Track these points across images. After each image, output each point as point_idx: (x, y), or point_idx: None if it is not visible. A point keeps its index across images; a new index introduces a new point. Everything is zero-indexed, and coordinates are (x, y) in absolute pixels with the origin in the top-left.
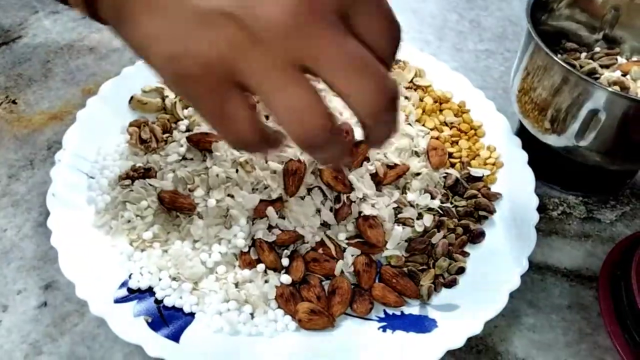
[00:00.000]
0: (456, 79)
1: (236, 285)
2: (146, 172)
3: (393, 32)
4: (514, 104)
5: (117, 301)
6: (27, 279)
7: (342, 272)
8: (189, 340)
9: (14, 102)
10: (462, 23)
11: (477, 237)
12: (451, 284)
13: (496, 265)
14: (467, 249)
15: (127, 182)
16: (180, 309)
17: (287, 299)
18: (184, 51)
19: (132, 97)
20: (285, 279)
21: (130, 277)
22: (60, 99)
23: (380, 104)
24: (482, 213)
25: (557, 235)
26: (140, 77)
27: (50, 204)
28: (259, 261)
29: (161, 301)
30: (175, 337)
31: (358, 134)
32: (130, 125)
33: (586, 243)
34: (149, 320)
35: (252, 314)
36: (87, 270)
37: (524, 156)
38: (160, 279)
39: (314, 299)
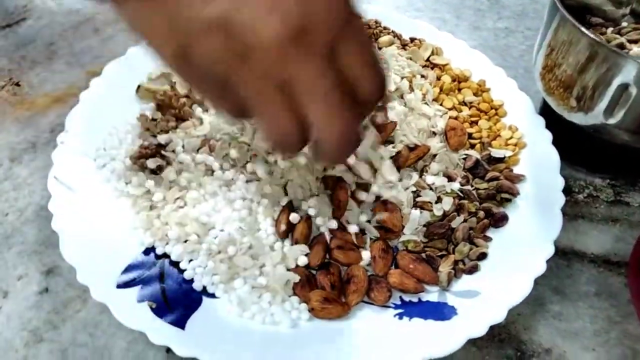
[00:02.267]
0: (475, 57)
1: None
2: (158, 148)
3: (378, 78)
4: (537, 82)
5: (119, 286)
6: (28, 264)
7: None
8: (196, 326)
9: (17, 84)
10: (480, 1)
11: (499, 220)
12: (472, 270)
13: (520, 250)
14: (489, 233)
15: (142, 161)
16: (188, 293)
17: (303, 284)
18: (182, 54)
19: (139, 86)
20: (303, 261)
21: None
22: (64, 82)
23: (340, 147)
24: (504, 196)
25: (584, 219)
26: (145, 58)
27: (52, 187)
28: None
29: (165, 286)
30: (180, 323)
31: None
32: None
33: (614, 227)
34: (153, 306)
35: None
36: (89, 254)
37: (548, 136)
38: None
39: (328, 287)
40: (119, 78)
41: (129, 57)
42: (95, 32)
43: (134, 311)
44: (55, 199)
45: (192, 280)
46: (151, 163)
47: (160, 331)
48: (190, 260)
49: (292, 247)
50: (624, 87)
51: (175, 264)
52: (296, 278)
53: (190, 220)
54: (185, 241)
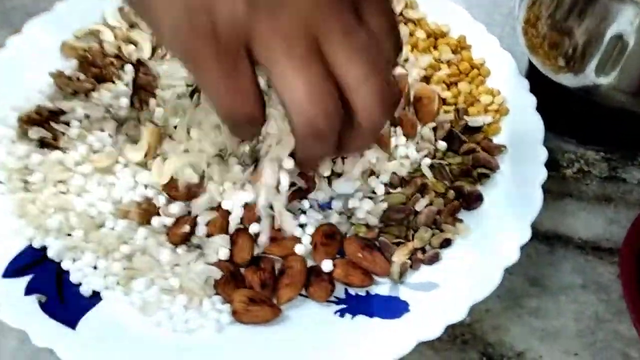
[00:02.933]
0: (454, 11)
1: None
2: (52, 116)
3: (397, 37)
4: (519, 38)
5: (6, 275)
6: None
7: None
8: (90, 327)
9: None
10: None
11: (473, 202)
12: (432, 260)
13: (492, 234)
14: (463, 216)
15: (26, 126)
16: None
17: (227, 280)
18: (200, 5)
19: (63, 43)
20: (224, 253)
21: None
22: None
23: (382, 109)
24: (481, 171)
25: (572, 198)
26: (75, 15)
27: None
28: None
29: (62, 275)
30: (72, 322)
31: None
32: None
33: (607, 208)
34: (43, 300)
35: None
36: None
37: (532, 101)
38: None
39: (258, 285)
40: (42, 36)
41: (56, 13)
42: None
43: (19, 305)
44: None
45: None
46: (33, 133)
47: (45, 331)
48: (74, 260)
49: (208, 239)
50: (619, 37)
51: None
52: (218, 274)
53: (76, 212)
54: (69, 235)
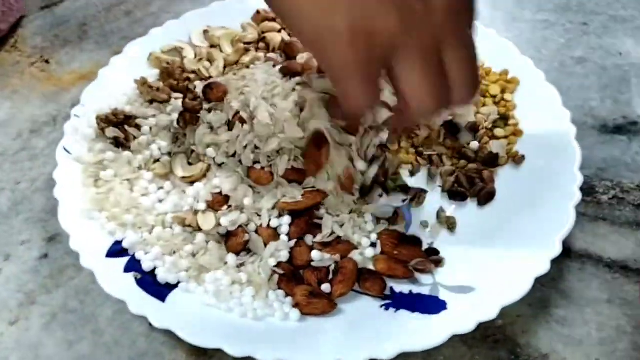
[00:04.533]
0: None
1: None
2: (127, 119)
3: (470, 88)
4: None
5: (109, 255)
6: (32, 231)
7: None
8: (176, 302)
9: (46, 61)
10: None
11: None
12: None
13: (525, 246)
14: (497, 232)
15: (104, 125)
16: None
17: (288, 279)
18: (362, 26)
19: (150, 54)
20: (285, 256)
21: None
22: (91, 60)
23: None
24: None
25: (605, 222)
26: (167, 38)
27: (59, 156)
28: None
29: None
30: (161, 296)
31: None
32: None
33: (638, 232)
34: (138, 277)
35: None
36: (85, 223)
37: (573, 130)
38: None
39: (315, 283)
40: (139, 56)
41: (151, 37)
42: (126, 15)
43: (118, 280)
44: (60, 168)
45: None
46: (110, 132)
47: (141, 302)
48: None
49: (267, 245)
50: None
51: None
52: (281, 271)
53: (143, 209)
54: (140, 228)
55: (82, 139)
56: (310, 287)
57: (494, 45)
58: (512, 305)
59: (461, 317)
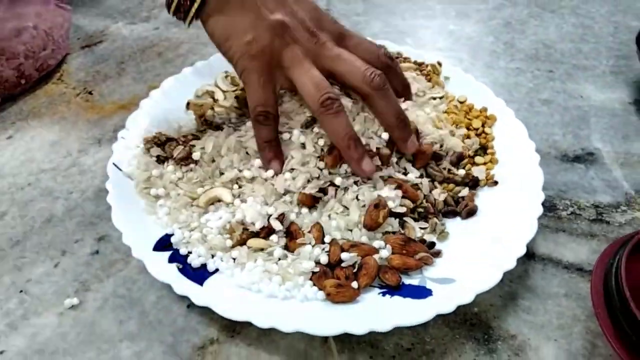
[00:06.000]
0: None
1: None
2: (167, 141)
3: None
4: None
5: (155, 249)
6: (84, 232)
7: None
8: (212, 285)
9: (90, 93)
10: (496, 44)
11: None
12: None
13: (495, 248)
14: (469, 230)
15: (149, 145)
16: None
17: (320, 275)
18: (253, 40)
19: (188, 103)
20: (324, 259)
21: (169, 236)
22: (130, 93)
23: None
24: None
25: (564, 233)
26: (197, 76)
27: (110, 170)
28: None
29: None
30: (200, 281)
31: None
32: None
33: (592, 241)
34: (180, 267)
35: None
36: (134, 223)
37: (537, 157)
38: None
39: (343, 277)
40: (173, 90)
41: (183, 74)
42: (158, 55)
43: (163, 269)
44: (111, 180)
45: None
46: (154, 150)
47: (183, 285)
48: (188, 248)
49: (304, 248)
50: None
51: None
52: (315, 269)
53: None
54: (191, 229)
55: (131, 157)
56: (338, 280)
57: (473, 88)
58: (485, 295)
59: (444, 301)
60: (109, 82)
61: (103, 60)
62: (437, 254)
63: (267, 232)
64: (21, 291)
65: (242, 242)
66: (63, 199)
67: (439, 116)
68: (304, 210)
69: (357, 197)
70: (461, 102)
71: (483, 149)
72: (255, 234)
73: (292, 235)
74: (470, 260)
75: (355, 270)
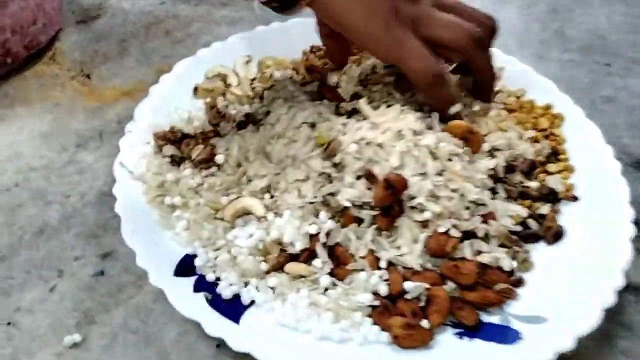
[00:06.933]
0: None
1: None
2: (184, 138)
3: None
4: None
5: (177, 274)
6: (85, 247)
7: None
8: (251, 322)
9: (87, 76)
10: (545, 33)
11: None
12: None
13: (586, 277)
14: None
15: (161, 143)
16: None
17: (382, 311)
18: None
19: (196, 88)
20: (383, 290)
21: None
22: (133, 78)
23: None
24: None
25: None
26: (214, 59)
27: (117, 172)
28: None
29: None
30: (235, 317)
31: None
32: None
33: None
34: (209, 297)
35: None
36: (149, 240)
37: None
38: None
39: (409, 314)
40: (188, 75)
41: (199, 57)
42: (166, 34)
43: (189, 300)
44: (119, 184)
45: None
46: (167, 150)
47: (215, 323)
48: (215, 273)
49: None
50: None
51: None
52: (375, 302)
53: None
54: (216, 249)
55: (140, 156)
56: (404, 318)
57: (533, 81)
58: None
59: (538, 347)
60: (109, 63)
61: (102, 38)
62: (519, 283)
63: (308, 254)
64: (9, 323)
65: (279, 267)
66: (58, 204)
67: (500, 114)
68: (350, 229)
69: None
70: (517, 97)
71: (554, 155)
72: (294, 257)
73: (338, 260)
74: (559, 292)
75: (421, 303)
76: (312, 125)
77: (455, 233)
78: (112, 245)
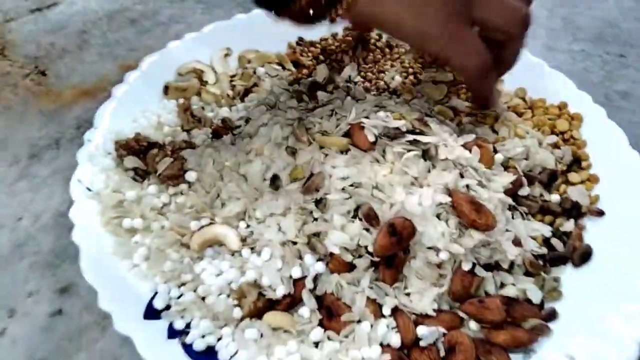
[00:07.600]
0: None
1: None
2: (150, 147)
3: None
4: None
5: (147, 316)
6: (40, 280)
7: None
8: None
9: (43, 73)
10: (553, 21)
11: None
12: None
13: (618, 306)
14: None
15: (122, 153)
16: None
17: None
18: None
19: (166, 87)
20: (396, 340)
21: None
22: (94, 74)
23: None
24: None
25: None
26: (187, 53)
27: (75, 191)
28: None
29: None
30: None
31: None
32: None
33: None
34: (185, 343)
35: None
36: (114, 275)
37: None
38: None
39: None
40: (157, 72)
41: (169, 50)
42: (131, 23)
43: (162, 348)
44: (77, 206)
45: None
46: (130, 161)
47: None
48: (184, 318)
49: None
50: None
51: None
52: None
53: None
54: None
55: (98, 169)
56: None
57: (544, 76)
58: None
59: None
60: (67, 58)
61: (59, 28)
62: (552, 317)
63: (290, 301)
64: None
65: (256, 314)
66: (8, 229)
67: (511, 116)
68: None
69: None
70: (522, 98)
71: (577, 162)
72: (273, 302)
73: (329, 311)
74: (590, 326)
75: (441, 352)
76: (293, 153)
77: (481, 272)
78: (71, 277)
